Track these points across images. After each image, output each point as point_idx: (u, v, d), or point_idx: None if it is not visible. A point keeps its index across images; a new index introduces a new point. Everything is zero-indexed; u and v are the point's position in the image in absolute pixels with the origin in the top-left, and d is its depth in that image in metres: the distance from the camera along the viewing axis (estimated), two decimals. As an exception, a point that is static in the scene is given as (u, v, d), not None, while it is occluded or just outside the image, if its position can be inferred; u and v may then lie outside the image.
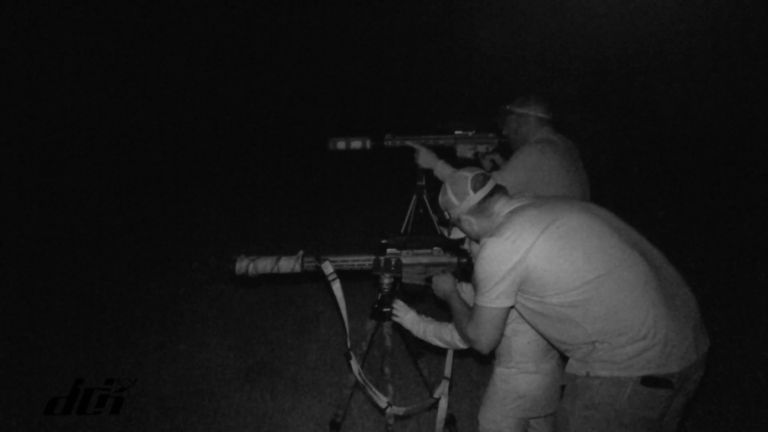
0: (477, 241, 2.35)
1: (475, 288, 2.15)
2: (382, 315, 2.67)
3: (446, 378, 2.74)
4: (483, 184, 2.24)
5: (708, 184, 8.11)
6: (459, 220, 2.30)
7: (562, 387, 2.17)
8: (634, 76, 12.58)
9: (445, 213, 2.34)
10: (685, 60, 12.31)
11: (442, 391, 2.72)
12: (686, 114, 10.83)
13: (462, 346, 2.49)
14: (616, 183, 7.62)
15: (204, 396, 3.84)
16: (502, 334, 2.20)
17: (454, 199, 2.27)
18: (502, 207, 2.22)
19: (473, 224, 2.26)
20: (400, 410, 2.73)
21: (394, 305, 2.66)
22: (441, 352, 2.70)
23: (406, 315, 2.64)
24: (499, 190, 2.28)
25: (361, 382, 2.64)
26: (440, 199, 2.37)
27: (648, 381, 1.94)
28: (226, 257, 2.62)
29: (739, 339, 4.34)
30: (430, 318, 2.61)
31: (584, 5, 13.62)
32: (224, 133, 11.40)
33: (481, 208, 2.24)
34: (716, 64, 11.86)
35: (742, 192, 7.78)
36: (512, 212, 2.16)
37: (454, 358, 2.77)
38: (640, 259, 2.03)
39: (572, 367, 2.10)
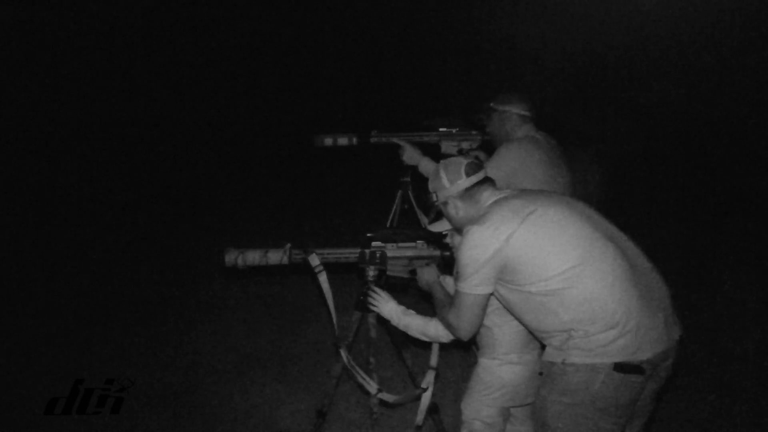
0: (457, 229, 2.42)
1: (457, 275, 2.23)
2: (366, 306, 2.73)
3: (432, 368, 2.79)
4: (475, 172, 2.33)
5: (704, 183, 8.24)
6: (446, 203, 2.37)
7: (540, 374, 2.25)
8: (634, 74, 12.63)
9: (433, 195, 2.40)
10: (685, 58, 12.38)
11: (428, 381, 2.78)
12: (686, 113, 10.91)
13: (445, 340, 2.55)
14: (624, 186, 7.72)
15: (193, 390, 3.89)
16: (481, 321, 2.28)
17: (445, 181, 2.34)
18: (488, 197, 2.30)
19: (459, 209, 2.33)
20: (390, 397, 2.79)
21: (374, 294, 2.69)
22: (427, 343, 2.75)
23: (385, 305, 2.66)
24: (488, 180, 2.36)
25: (350, 368, 2.70)
26: (430, 181, 2.43)
27: (620, 367, 2.02)
28: (215, 250, 2.68)
29: (718, 333, 4.47)
30: (413, 312, 2.64)
31: (582, 2, 13.62)
32: (211, 131, 11.38)
33: (469, 194, 2.31)
34: (717, 62, 11.94)
35: (736, 191, 7.91)
36: (496, 202, 2.25)
37: (439, 349, 2.84)
38: (615, 251, 2.11)
39: (549, 354, 2.18)
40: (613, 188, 7.01)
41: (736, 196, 7.69)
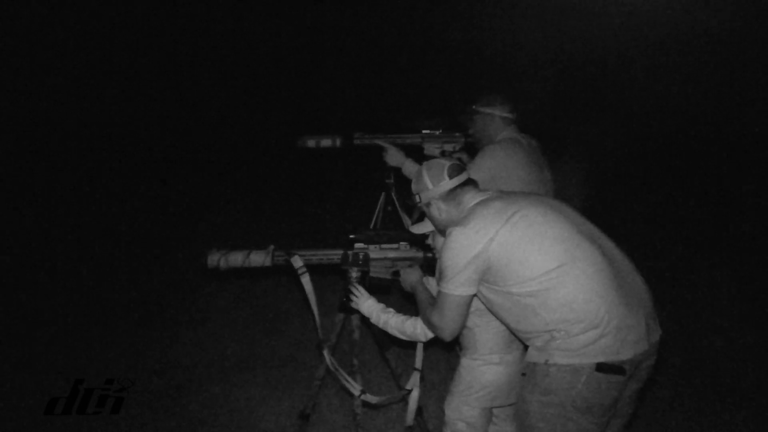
0: (440, 230, 2.43)
1: (440, 276, 2.24)
2: (350, 308, 2.73)
3: (417, 369, 2.81)
4: (458, 173, 2.34)
5: (687, 185, 8.34)
6: (429, 204, 2.38)
7: (523, 375, 2.26)
8: (623, 76, 12.72)
9: (416, 197, 2.41)
10: (674, 61, 12.49)
11: (413, 382, 2.79)
12: (672, 115, 11.00)
13: (423, 339, 2.57)
14: (609, 188, 7.78)
15: (175, 393, 3.86)
16: (464, 322, 2.29)
17: (428, 183, 2.35)
18: (470, 198, 2.31)
19: (442, 210, 2.35)
20: (373, 399, 2.79)
21: (354, 291, 2.70)
22: (409, 344, 2.76)
23: (364, 302, 2.67)
24: (471, 182, 2.38)
25: (334, 370, 2.70)
26: (414, 182, 2.44)
27: (602, 367, 2.03)
28: (198, 252, 2.67)
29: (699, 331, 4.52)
30: (392, 310, 2.65)
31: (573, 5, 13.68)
32: (200, 133, 11.36)
33: (452, 196, 2.33)
34: (706, 66, 12.06)
35: (719, 193, 8.01)
36: (478, 204, 2.26)
37: (423, 351, 2.85)
38: (596, 252, 2.13)
39: (532, 355, 2.19)
40: (597, 189, 7.09)
41: (719, 198, 7.80)
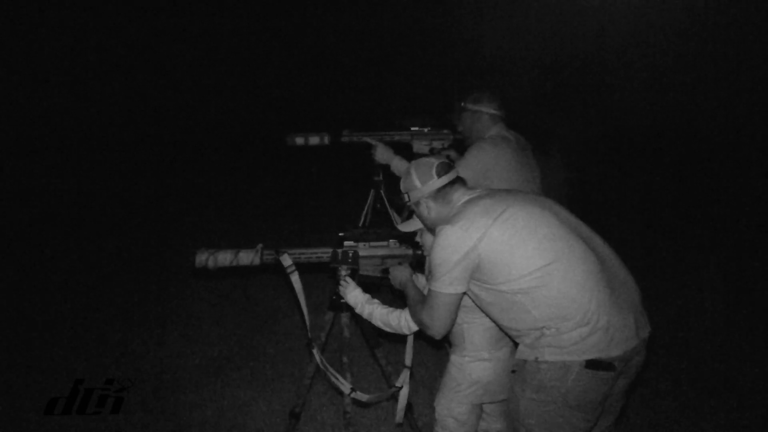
0: (429, 229, 2.43)
1: (430, 274, 2.24)
2: (339, 306, 2.73)
3: (407, 367, 2.80)
4: (447, 172, 2.33)
5: (668, 185, 8.39)
6: (418, 203, 2.37)
7: (513, 372, 2.27)
8: (605, 77, 12.78)
9: (405, 195, 2.40)
10: (659, 62, 12.56)
11: (403, 379, 2.79)
12: (655, 116, 11.07)
13: (407, 332, 2.56)
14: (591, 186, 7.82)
15: (164, 393, 3.84)
16: (454, 320, 2.29)
17: (417, 182, 2.34)
18: (460, 197, 2.31)
19: (431, 209, 2.34)
20: (363, 396, 2.78)
21: (343, 281, 2.69)
22: (399, 341, 2.75)
23: (351, 292, 2.66)
24: (460, 180, 2.37)
25: (323, 368, 2.69)
26: (402, 181, 2.43)
27: (592, 364, 2.04)
28: (187, 251, 2.65)
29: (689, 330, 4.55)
30: (377, 301, 2.64)
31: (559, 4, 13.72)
32: (188, 133, 11.33)
33: (441, 194, 2.32)
34: (689, 66, 12.15)
35: (701, 193, 8.06)
36: (468, 202, 2.26)
37: (413, 348, 2.84)
38: (586, 249, 2.14)
39: (522, 352, 2.19)
40: (585, 187, 7.12)
41: (711, 197, 7.85)
